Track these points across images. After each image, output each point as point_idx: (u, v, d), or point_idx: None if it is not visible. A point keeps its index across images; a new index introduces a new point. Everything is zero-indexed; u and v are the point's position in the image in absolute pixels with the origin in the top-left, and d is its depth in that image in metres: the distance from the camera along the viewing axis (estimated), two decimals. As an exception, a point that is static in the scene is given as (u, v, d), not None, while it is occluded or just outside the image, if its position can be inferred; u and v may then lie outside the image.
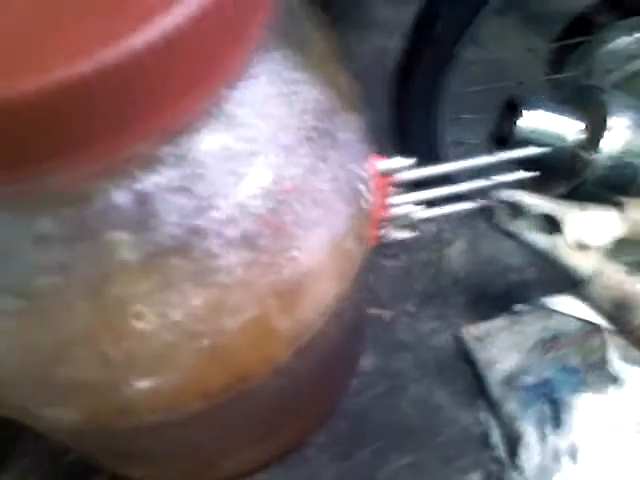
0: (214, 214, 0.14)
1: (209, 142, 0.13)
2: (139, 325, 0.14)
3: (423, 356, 0.29)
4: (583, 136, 0.40)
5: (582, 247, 0.25)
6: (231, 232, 0.14)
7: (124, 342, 0.14)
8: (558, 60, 0.63)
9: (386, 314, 0.30)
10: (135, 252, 0.13)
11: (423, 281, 0.31)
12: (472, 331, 0.30)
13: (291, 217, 0.15)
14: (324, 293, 0.16)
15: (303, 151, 0.15)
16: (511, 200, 0.24)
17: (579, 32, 0.60)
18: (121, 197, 0.13)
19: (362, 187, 0.18)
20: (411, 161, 0.20)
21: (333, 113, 0.16)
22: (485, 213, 0.31)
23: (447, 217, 0.33)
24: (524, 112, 0.40)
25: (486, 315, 0.30)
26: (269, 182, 0.14)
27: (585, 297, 0.25)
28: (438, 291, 0.31)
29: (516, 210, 0.25)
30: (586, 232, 0.25)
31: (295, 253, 0.15)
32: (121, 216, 0.13)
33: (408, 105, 0.58)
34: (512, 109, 0.42)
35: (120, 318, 0.14)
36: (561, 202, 0.25)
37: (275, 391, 0.18)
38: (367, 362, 0.28)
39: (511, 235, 0.25)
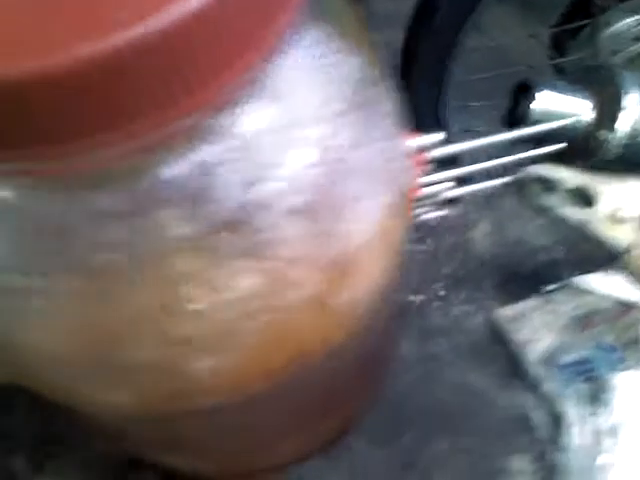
0: (264, 187, 0.13)
1: (255, 114, 0.13)
2: (197, 303, 0.13)
3: (457, 340, 0.29)
4: (596, 116, 0.40)
5: (617, 219, 0.24)
6: (282, 205, 0.13)
7: (182, 321, 0.14)
8: (560, 44, 0.63)
9: (417, 299, 0.29)
10: (189, 228, 0.13)
11: (451, 264, 0.31)
12: (505, 312, 0.29)
13: (340, 189, 0.14)
14: (375, 269, 0.16)
15: (347, 122, 0.15)
16: (542, 174, 0.24)
17: (579, 16, 0.60)
18: (173, 172, 0.12)
19: (402, 161, 0.17)
20: (441, 136, 0.20)
21: (372, 85, 0.16)
22: (513, 191, 0.30)
23: (470, 199, 0.32)
24: (537, 94, 0.40)
25: (517, 296, 0.30)
26: (316, 154, 0.14)
27: (624, 270, 0.24)
28: (467, 274, 0.31)
29: (547, 185, 0.24)
30: (621, 204, 0.24)
31: (346, 227, 0.15)
32: (174, 191, 0.12)
33: (413, 95, 0.58)
34: (524, 92, 0.42)
35: (178, 296, 0.13)
36: (594, 174, 0.24)
37: (329, 373, 0.17)
38: (402, 347, 0.28)
39: (543, 211, 0.25)
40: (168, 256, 0.13)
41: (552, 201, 0.24)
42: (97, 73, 0.10)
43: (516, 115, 0.40)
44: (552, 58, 0.64)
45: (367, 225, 0.15)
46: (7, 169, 0.12)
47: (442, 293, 0.30)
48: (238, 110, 0.12)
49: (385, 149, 0.16)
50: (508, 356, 0.29)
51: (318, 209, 0.14)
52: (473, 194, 0.30)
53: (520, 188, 0.24)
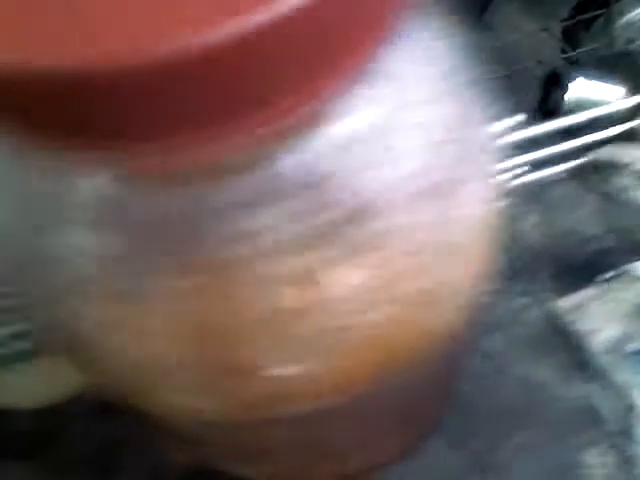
0: (383, 173, 0.13)
1: (372, 98, 0.12)
2: (314, 300, 0.13)
3: (517, 334, 0.28)
4: (632, 102, 0.39)
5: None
6: (401, 191, 0.13)
7: (298, 320, 0.13)
8: (573, 37, 0.63)
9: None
10: (308, 220, 0.12)
11: (504, 258, 0.30)
12: (564, 304, 0.29)
13: (452, 172, 0.14)
14: (481, 258, 0.15)
15: (454, 105, 0.14)
16: (612, 157, 0.23)
17: (592, 7, 0.60)
18: (292, 161, 0.12)
19: (494, 145, 0.17)
20: (521, 118, 0.19)
21: (468, 68, 0.16)
22: (562, 180, 0.30)
23: (517, 190, 0.32)
24: (569, 83, 0.40)
25: (573, 287, 0.29)
26: (430, 136, 0.13)
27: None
28: (521, 267, 0.30)
29: (615, 168, 0.24)
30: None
31: (459, 212, 0.14)
32: (294, 181, 0.12)
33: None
34: (554, 82, 0.41)
35: (294, 293, 0.13)
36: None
37: (427, 371, 0.17)
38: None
39: (609, 195, 0.24)
40: (287, 251, 0.12)
41: (621, 184, 0.23)
42: (219, 60, 0.10)
43: (548, 106, 0.40)
44: (564, 51, 0.64)
45: (475, 210, 0.14)
46: (122, 163, 0.11)
47: (498, 287, 0.29)
48: (356, 94, 0.12)
49: (483, 132, 0.15)
50: (569, 348, 0.28)
51: (433, 193, 0.13)
52: (521, 184, 0.30)
53: (586, 173, 0.24)
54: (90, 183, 0.12)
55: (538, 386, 0.27)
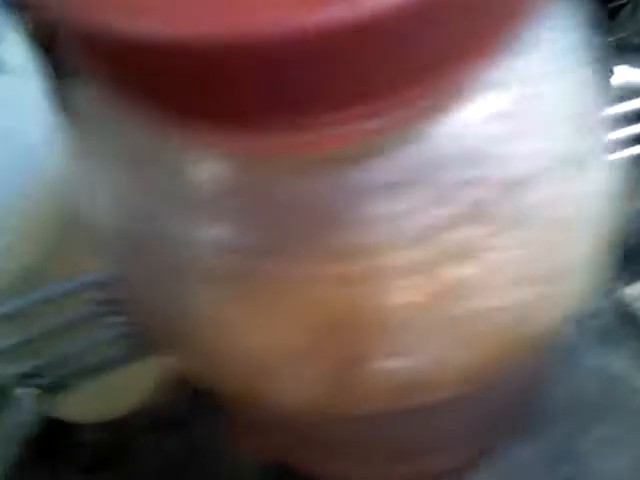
0: (522, 148, 0.12)
1: (515, 72, 0.12)
2: (452, 281, 0.12)
3: (587, 324, 0.28)
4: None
5: None
6: (541, 165, 0.12)
7: (433, 306, 0.12)
8: (598, 26, 0.62)
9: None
10: (452, 199, 0.11)
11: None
12: (631, 292, 0.28)
13: (581, 147, 0.13)
14: (604, 238, 0.15)
15: (580, 80, 0.14)
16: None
17: (616, -4, 0.59)
18: (439, 137, 0.11)
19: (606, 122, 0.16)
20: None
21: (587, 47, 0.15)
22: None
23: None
24: (614, 69, 0.39)
25: (637, 275, 0.29)
26: (564, 112, 0.13)
27: None
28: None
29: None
30: None
31: (587, 187, 0.13)
32: (440, 158, 0.11)
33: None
34: (600, 69, 0.40)
35: (427, 279, 0.12)
36: None
37: (532, 362, 0.16)
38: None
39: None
40: (425, 236, 0.11)
41: None
42: (376, 31, 0.09)
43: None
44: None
45: (600, 184, 0.14)
46: (258, 144, 0.10)
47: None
48: (499, 69, 0.11)
49: (600, 107, 0.15)
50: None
51: (569, 166, 0.13)
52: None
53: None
54: (225, 165, 0.11)
55: (614, 377, 0.26)
